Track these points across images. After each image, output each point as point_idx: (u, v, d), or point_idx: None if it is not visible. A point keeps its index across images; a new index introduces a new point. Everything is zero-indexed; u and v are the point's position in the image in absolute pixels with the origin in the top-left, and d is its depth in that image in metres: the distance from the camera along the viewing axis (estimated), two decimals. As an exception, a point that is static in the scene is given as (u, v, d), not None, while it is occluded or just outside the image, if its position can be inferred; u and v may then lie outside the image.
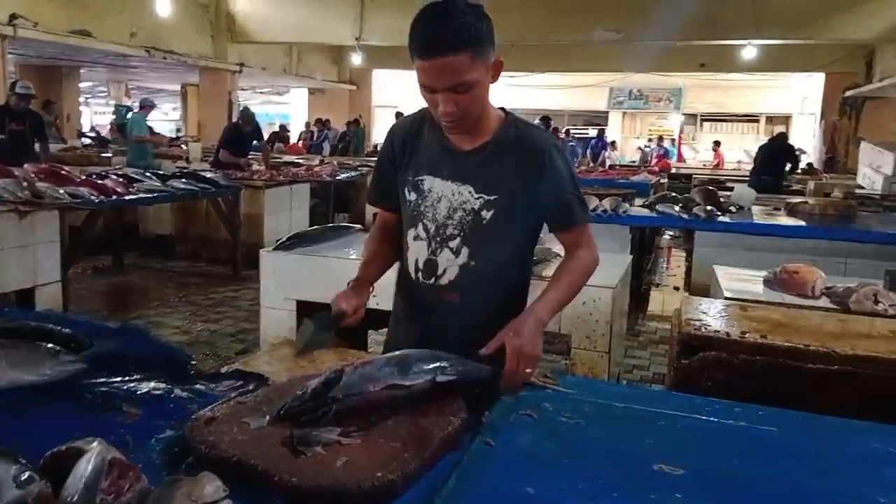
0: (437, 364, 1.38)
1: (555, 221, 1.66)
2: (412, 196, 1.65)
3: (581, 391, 1.48)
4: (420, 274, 1.67)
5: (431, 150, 1.63)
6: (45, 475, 1.00)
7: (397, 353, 1.40)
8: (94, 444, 1.09)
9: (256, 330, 4.43)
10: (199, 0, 12.23)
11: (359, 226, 4.42)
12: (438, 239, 1.63)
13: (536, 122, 11.52)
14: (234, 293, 6.19)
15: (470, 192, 1.59)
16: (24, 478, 0.99)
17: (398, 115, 12.75)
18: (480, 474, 1.14)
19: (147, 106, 9.52)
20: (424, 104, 1.58)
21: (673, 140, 19.63)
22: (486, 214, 1.59)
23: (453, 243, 1.61)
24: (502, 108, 1.67)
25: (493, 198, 1.59)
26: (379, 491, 1.08)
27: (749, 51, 11.16)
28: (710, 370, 2.03)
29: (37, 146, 6.91)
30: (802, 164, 12.35)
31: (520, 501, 1.07)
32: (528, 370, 1.45)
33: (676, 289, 6.98)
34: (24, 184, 4.71)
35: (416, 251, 1.67)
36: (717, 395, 1.94)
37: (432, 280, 1.65)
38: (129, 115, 10.49)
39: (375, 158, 2.05)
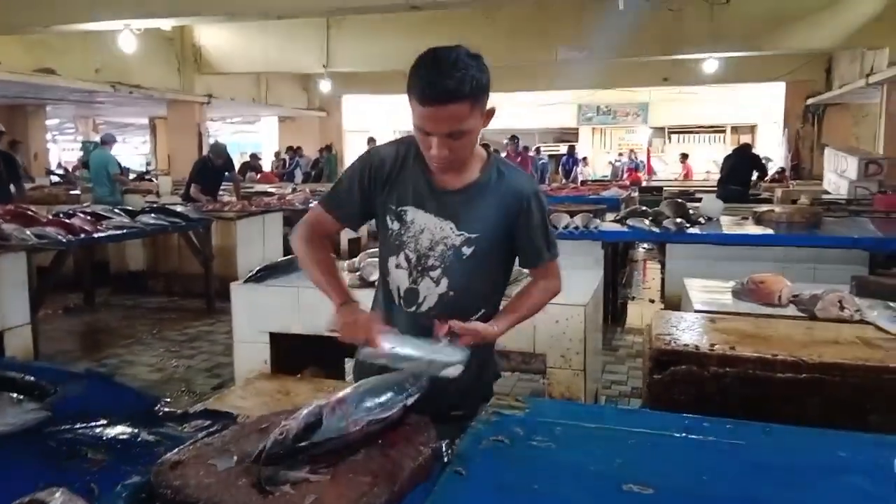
0: (404, 385, 1.42)
1: (526, 259, 1.76)
2: (395, 225, 1.69)
3: (552, 414, 1.48)
4: (402, 302, 1.72)
5: (417, 184, 1.67)
6: (6, 531, 0.98)
7: (365, 386, 1.40)
8: (57, 494, 1.07)
9: (231, 364, 4.38)
10: (165, 34, 12.18)
11: (332, 255, 4.38)
12: (420, 269, 1.68)
13: (505, 141, 11.49)
14: (208, 327, 6.11)
15: (452, 229, 1.66)
16: (-17, 535, 0.97)
17: (370, 140, 12.78)
18: (451, 505, 1.14)
19: (109, 142, 9.51)
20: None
21: (634, 153, 19.80)
22: (467, 251, 1.66)
23: (434, 273, 1.67)
24: (485, 146, 1.74)
25: (473, 236, 1.66)
26: (349, 528, 1.08)
27: (710, 64, 11.37)
28: (682, 384, 2.05)
29: (12, 187, 6.85)
30: (773, 171, 12.58)
31: (491, 531, 1.06)
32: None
33: (652, 301, 7.03)
34: (-11, 226, 4.64)
35: (398, 279, 1.72)
36: (690, 408, 1.95)
37: (413, 308, 1.70)
38: (94, 150, 10.41)
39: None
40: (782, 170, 13.53)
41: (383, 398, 1.37)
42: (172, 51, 12.71)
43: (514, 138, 11.90)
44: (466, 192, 1.66)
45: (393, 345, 1.50)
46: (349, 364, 3.31)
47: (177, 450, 1.31)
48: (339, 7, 9.09)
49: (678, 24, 10.01)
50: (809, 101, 13.90)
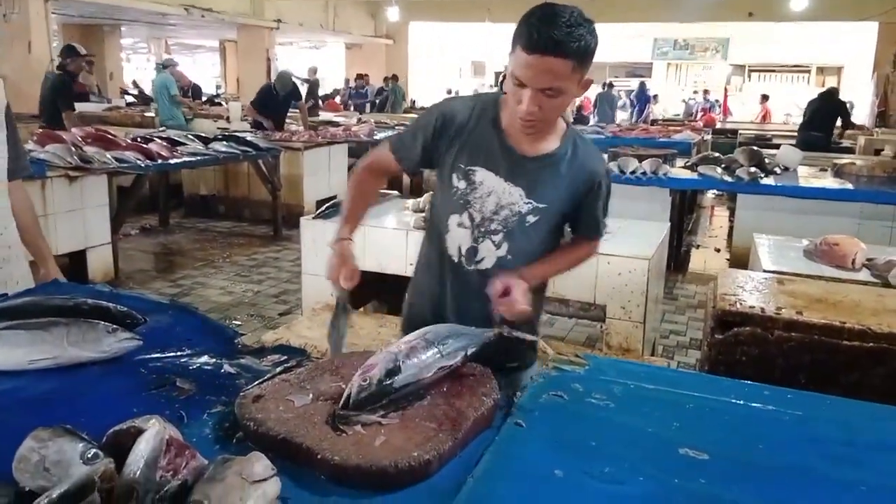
0: (465, 337, 1.48)
1: (581, 230, 1.79)
2: (461, 184, 1.68)
3: (612, 372, 1.52)
4: (463, 259, 1.74)
5: (490, 144, 1.66)
6: (108, 452, 1.08)
7: (433, 332, 1.46)
8: (152, 421, 1.16)
9: (298, 291, 4.56)
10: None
11: (395, 192, 4.44)
12: (482, 230, 1.70)
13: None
14: (275, 254, 6.33)
15: (521, 195, 1.66)
16: (89, 455, 1.07)
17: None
18: (511, 456, 1.20)
19: (169, 66, 9.73)
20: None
21: (708, 92, 18.83)
22: (531, 219, 1.67)
23: (496, 237, 1.70)
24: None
25: (542, 206, 1.67)
26: (415, 470, 1.15)
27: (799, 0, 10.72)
28: (745, 345, 2.05)
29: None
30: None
31: (548, 484, 1.12)
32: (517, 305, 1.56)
33: (718, 250, 6.90)
34: (73, 149, 4.84)
35: (459, 238, 1.73)
36: (751, 371, 1.97)
37: (473, 266, 1.74)
38: (157, 75, 10.65)
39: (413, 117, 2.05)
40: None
41: (449, 348, 1.43)
42: (244, -26, 12.73)
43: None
44: (541, 161, 1.66)
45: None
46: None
47: (257, 383, 1.41)
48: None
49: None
50: (903, 44, 13.00)
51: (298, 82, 8.85)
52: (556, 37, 1.42)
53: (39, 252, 2.23)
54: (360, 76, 16.35)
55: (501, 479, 1.13)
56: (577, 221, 1.76)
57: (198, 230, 7.19)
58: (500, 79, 1.65)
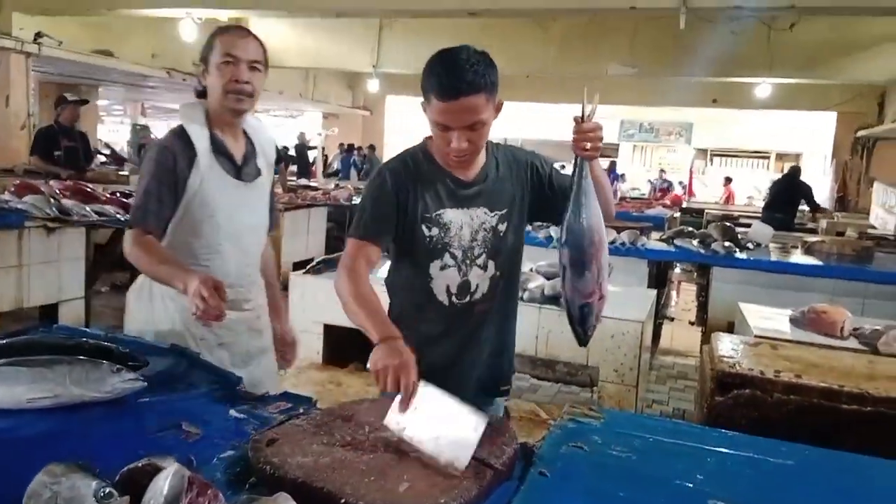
0: None
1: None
2: (433, 231, 1.75)
3: (629, 426, 1.50)
4: (454, 297, 1.79)
5: (441, 184, 1.76)
6: (122, 491, 1.03)
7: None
8: (170, 459, 1.11)
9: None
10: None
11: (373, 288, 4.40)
12: (467, 262, 1.78)
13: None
14: (251, 314, 6.20)
15: (486, 213, 1.79)
16: (104, 493, 1.01)
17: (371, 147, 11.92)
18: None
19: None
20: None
21: (664, 171, 19.51)
22: (502, 227, 1.80)
23: (480, 260, 1.78)
24: None
25: (504, 211, 1.80)
26: (442, 518, 1.11)
27: (763, 88, 11.26)
28: (744, 408, 2.06)
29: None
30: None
31: (583, 532, 1.09)
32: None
33: (692, 324, 6.96)
34: (52, 200, 4.76)
35: (447, 278, 1.78)
36: (751, 433, 1.96)
37: (468, 298, 1.79)
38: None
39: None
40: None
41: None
42: (227, 41, 12.94)
43: None
44: (485, 176, 1.79)
45: (413, 416, 1.36)
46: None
47: (269, 427, 1.37)
48: (396, 9, 9.22)
49: (736, 46, 9.88)
50: (860, 133, 13.66)
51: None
52: (465, 79, 1.56)
53: (277, 308, 2.23)
54: (350, 147, 16.66)
55: (532, 527, 1.10)
56: (565, 193, 1.71)
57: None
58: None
